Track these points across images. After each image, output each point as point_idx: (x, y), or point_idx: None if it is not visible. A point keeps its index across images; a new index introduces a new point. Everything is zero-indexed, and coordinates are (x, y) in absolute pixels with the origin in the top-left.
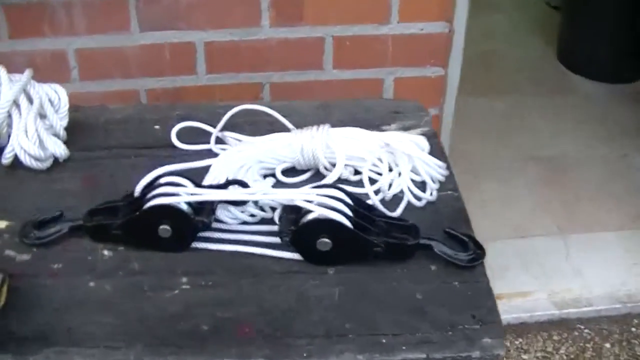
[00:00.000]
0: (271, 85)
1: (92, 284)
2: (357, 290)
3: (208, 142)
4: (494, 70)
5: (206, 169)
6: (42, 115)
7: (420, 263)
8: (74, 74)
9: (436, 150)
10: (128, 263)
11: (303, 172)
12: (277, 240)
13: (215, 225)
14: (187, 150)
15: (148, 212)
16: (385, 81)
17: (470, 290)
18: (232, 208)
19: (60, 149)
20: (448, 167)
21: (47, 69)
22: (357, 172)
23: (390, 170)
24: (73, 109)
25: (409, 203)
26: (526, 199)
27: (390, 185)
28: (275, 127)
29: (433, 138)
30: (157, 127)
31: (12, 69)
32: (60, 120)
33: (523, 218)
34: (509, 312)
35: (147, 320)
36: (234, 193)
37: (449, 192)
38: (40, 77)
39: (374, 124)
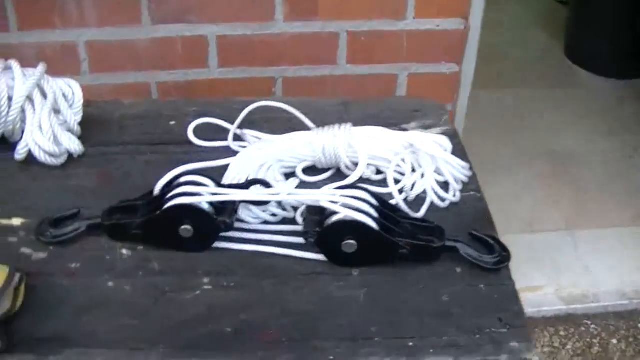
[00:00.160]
0: (284, 80)
1: (111, 284)
2: (382, 292)
3: (225, 139)
4: (500, 64)
5: (226, 167)
6: (56, 111)
7: (445, 265)
8: (84, 67)
9: (458, 150)
10: (148, 263)
11: (324, 171)
12: (299, 240)
13: (236, 224)
14: (204, 147)
15: (169, 212)
16: (399, 77)
17: (497, 294)
18: (253, 207)
19: (74, 145)
20: (471, 168)
21: (57, 62)
22: (378, 172)
23: (413, 170)
24: (85, 103)
25: (432, 204)
26: (534, 193)
27: (413, 186)
28: (293, 124)
29: (454, 137)
30: (172, 123)
31: (22, 61)
32: (74, 115)
33: (531, 213)
34: None
35: (169, 322)
36: (257, 194)
37: (472, 192)
38: (50, 69)
39: (394, 122)
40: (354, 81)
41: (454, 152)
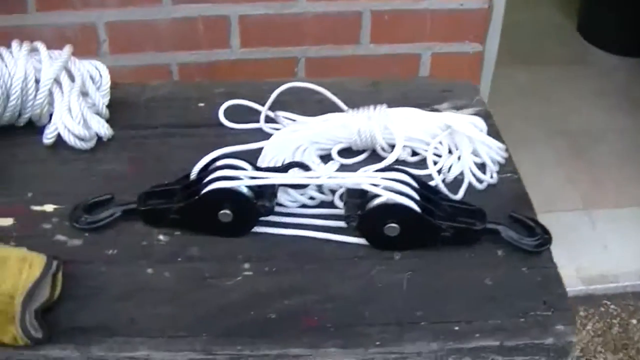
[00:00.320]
0: (306, 60)
1: (150, 270)
2: (426, 276)
3: (255, 121)
4: (512, 42)
5: (259, 150)
6: (84, 93)
7: (485, 248)
8: (103, 48)
9: (492, 132)
10: (186, 249)
11: (359, 153)
12: (339, 224)
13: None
14: (235, 130)
15: (208, 196)
16: (423, 57)
17: (539, 276)
18: (291, 191)
19: (103, 128)
20: (507, 149)
21: (76, 43)
22: (414, 154)
23: (450, 152)
24: (111, 85)
25: (469, 186)
26: (551, 173)
27: (450, 168)
28: (324, 105)
29: (487, 118)
30: (201, 104)
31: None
32: (102, 98)
33: (548, 192)
34: None
35: (211, 308)
36: (298, 177)
37: (509, 174)
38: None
39: (425, 103)
40: (377, 61)
41: (488, 133)
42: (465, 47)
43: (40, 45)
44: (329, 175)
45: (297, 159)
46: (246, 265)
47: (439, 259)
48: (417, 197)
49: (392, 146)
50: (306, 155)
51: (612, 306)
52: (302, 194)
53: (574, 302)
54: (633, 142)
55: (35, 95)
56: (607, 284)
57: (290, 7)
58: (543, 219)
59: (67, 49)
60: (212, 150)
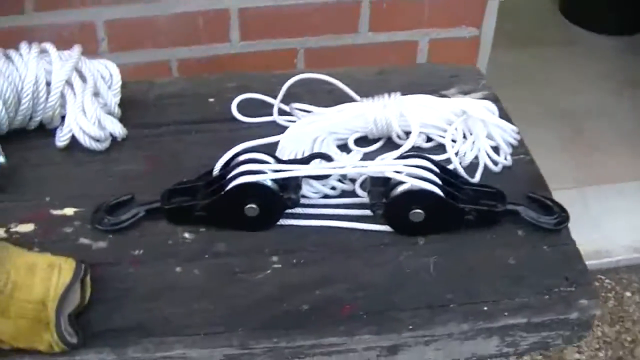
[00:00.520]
0: (306, 51)
1: (178, 269)
2: (451, 259)
3: (268, 114)
4: (499, 25)
5: (277, 143)
6: (95, 93)
7: (506, 229)
8: (102, 47)
9: (502, 115)
10: (213, 245)
11: (374, 141)
12: (362, 212)
13: None
14: (249, 123)
15: (234, 191)
16: (421, 43)
17: (560, 254)
18: (313, 182)
19: (117, 128)
20: (518, 132)
21: (75, 42)
22: (428, 140)
23: (464, 136)
24: None
25: (485, 169)
26: (543, 152)
27: (465, 152)
28: (335, 95)
29: (496, 102)
30: (211, 100)
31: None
32: (114, 97)
33: (541, 171)
34: None
35: (244, 303)
36: (323, 167)
37: (522, 155)
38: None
39: (433, 89)
40: (376, 49)
41: (499, 116)
42: (462, 32)
43: (49, 47)
44: (353, 165)
45: (316, 150)
46: (274, 258)
47: (463, 241)
48: (439, 182)
49: (407, 133)
50: (324, 145)
51: (607, 280)
52: (324, 185)
53: None
54: (623, 120)
55: (47, 98)
56: (601, 259)
57: None
58: None
59: (77, 49)
60: (228, 145)
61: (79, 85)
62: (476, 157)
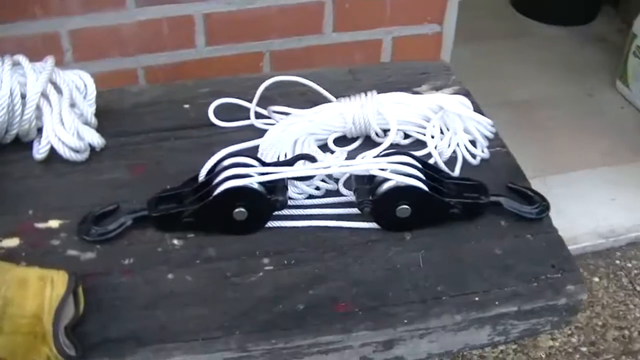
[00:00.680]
0: (272, 54)
1: (170, 275)
2: (439, 252)
3: (245, 118)
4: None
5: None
6: (71, 104)
7: (490, 220)
8: (67, 57)
9: (476, 109)
10: (203, 250)
11: (352, 140)
12: (348, 211)
13: None
14: (227, 128)
15: (222, 196)
16: (384, 41)
17: (544, 242)
18: (298, 183)
19: (95, 138)
20: (493, 125)
21: (39, 53)
22: (406, 136)
23: (441, 132)
24: None
25: (464, 162)
26: None
27: (444, 147)
28: (308, 97)
29: (468, 96)
30: (187, 106)
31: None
32: (89, 107)
33: None
34: None
35: (239, 306)
36: (309, 168)
37: (498, 148)
38: (33, 61)
39: (405, 86)
40: (341, 49)
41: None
42: (425, 28)
43: (22, 59)
44: (339, 165)
45: (297, 151)
46: (265, 260)
47: (448, 235)
48: (423, 177)
49: (385, 131)
50: (305, 147)
51: None
52: (308, 185)
53: None
54: (576, 107)
55: (23, 111)
56: (568, 246)
57: (254, 2)
58: None
59: (50, 60)
60: (208, 150)
61: (55, 97)
62: (454, 152)
